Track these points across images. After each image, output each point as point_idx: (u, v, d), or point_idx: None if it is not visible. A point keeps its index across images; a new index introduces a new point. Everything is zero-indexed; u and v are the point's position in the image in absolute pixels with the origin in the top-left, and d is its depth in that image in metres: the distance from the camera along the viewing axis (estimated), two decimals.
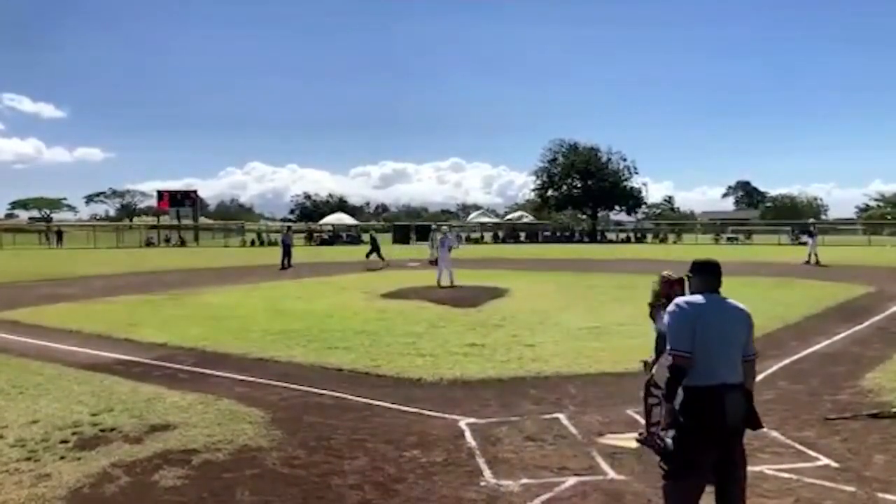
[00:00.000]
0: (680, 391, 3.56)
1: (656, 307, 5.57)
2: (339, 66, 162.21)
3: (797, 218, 73.95)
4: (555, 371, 8.27)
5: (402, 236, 60.80)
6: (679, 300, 3.75)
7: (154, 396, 7.16)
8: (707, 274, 3.75)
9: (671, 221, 74.59)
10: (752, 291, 16.21)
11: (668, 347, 3.65)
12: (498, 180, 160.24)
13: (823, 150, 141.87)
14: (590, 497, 4.62)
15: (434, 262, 21.48)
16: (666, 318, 3.71)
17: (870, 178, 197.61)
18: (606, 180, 69.38)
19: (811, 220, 36.45)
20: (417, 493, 4.69)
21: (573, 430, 6.04)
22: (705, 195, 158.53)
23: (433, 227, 29.87)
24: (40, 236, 59.55)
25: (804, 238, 29.40)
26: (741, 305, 3.72)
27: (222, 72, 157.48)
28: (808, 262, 26.24)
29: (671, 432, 3.57)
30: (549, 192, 72.70)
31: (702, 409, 3.46)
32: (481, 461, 5.25)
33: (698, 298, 3.69)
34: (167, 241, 56.27)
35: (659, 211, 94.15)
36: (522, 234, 62.14)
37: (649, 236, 61.54)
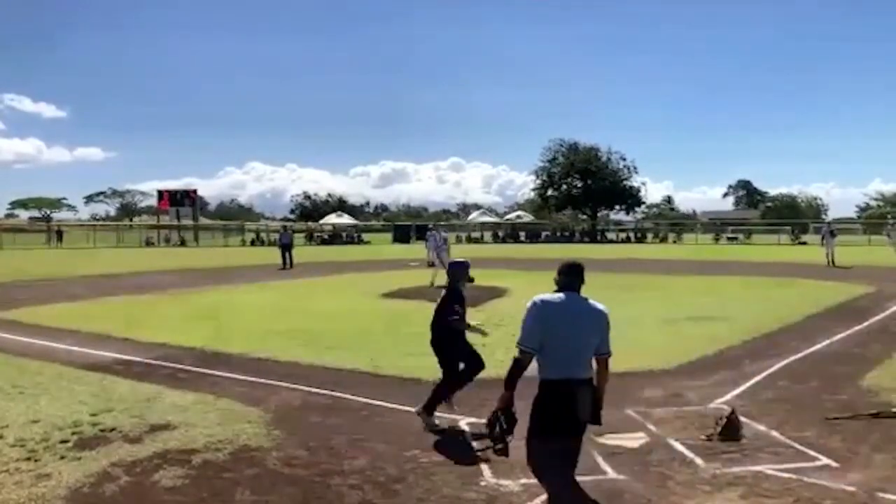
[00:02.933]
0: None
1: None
2: (339, 66, 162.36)
3: (797, 218, 74.00)
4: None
5: (402, 236, 60.78)
6: (537, 298, 3.97)
7: (154, 396, 7.16)
8: (571, 275, 4.00)
9: (671, 221, 74.56)
10: (753, 291, 16.23)
11: (517, 340, 3.87)
12: (497, 180, 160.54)
13: (823, 150, 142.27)
14: (590, 497, 4.62)
15: (432, 265, 21.35)
16: (524, 313, 3.97)
17: (869, 177, 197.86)
18: (606, 180, 69.40)
19: (829, 220, 34.57)
20: (417, 493, 4.68)
21: None
22: (705, 195, 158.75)
23: (429, 227, 29.57)
24: (40, 236, 59.53)
25: (824, 238, 26.90)
26: (599, 306, 3.99)
27: (222, 72, 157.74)
28: (829, 265, 24.71)
29: (503, 417, 3.93)
30: (549, 192, 72.72)
31: (554, 401, 3.75)
32: (481, 461, 5.25)
33: (556, 297, 3.93)
34: (167, 240, 56.30)
35: (659, 211, 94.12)
36: (522, 234, 62.14)
37: (649, 236, 61.49)
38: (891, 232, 31.98)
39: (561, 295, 3.87)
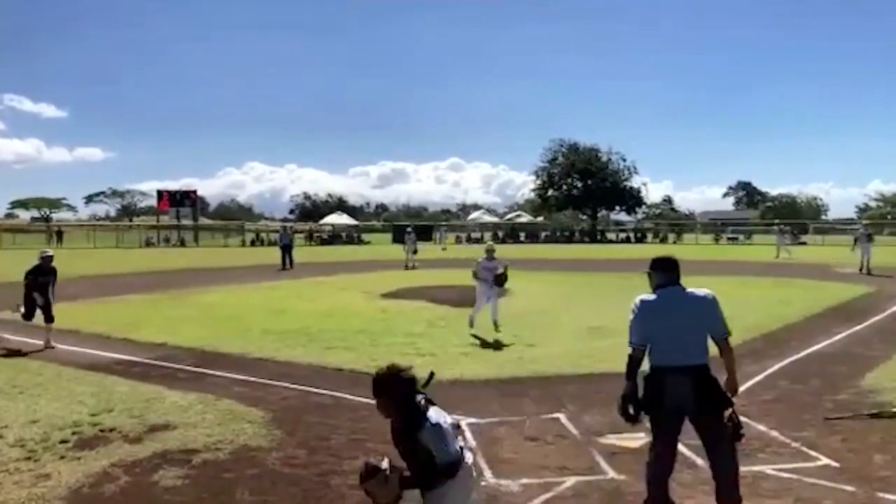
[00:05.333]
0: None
1: None
2: (338, 66, 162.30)
3: (797, 218, 73.98)
4: (555, 371, 8.27)
5: (401, 236, 60.68)
6: (638, 298, 4.14)
7: (154, 396, 7.17)
8: (666, 270, 4.14)
9: (671, 221, 74.58)
10: (753, 291, 16.21)
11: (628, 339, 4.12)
12: (497, 180, 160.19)
13: (823, 150, 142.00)
14: (590, 497, 4.63)
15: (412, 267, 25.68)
16: (629, 314, 4.15)
17: (869, 177, 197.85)
18: (606, 180, 69.32)
19: (865, 222, 30.57)
20: None
21: (573, 430, 6.04)
22: (705, 195, 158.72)
23: (408, 230, 30.10)
24: (40, 236, 59.51)
25: (858, 242, 23.27)
26: (700, 293, 4.11)
27: (221, 71, 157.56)
28: (861, 271, 21.82)
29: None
30: (550, 192, 72.64)
31: (652, 385, 4.02)
32: (481, 461, 5.24)
33: (654, 294, 4.11)
34: (167, 241, 56.23)
35: (659, 211, 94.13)
36: (522, 234, 62.10)
37: (649, 236, 61.47)
38: (777, 236, 34.83)
39: (660, 291, 4.11)
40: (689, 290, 4.11)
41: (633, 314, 4.09)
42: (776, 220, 45.05)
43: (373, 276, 22.06)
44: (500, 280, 11.39)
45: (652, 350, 4.02)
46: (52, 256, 10.77)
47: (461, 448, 3.24)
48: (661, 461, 4.19)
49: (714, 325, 4.05)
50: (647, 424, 4.27)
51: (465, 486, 3.20)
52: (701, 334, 4.03)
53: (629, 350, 4.09)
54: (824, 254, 29.16)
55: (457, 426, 3.62)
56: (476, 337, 10.62)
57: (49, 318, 10.27)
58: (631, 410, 4.16)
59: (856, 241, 23.62)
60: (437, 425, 3.11)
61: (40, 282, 10.38)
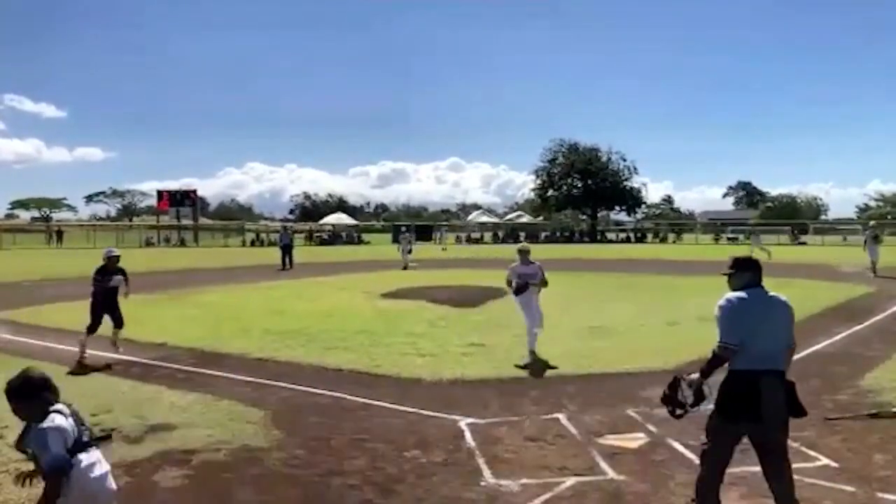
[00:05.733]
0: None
1: None
2: (338, 66, 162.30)
3: (797, 218, 73.99)
4: (555, 371, 8.27)
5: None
6: (729, 295, 3.94)
7: (154, 396, 7.17)
8: (751, 270, 4.01)
9: (671, 221, 74.58)
10: None
11: (718, 338, 3.86)
12: (497, 180, 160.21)
13: (822, 150, 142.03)
14: (590, 497, 4.63)
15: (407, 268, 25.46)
16: (716, 311, 3.91)
17: (868, 177, 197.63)
18: (606, 180, 69.35)
19: (872, 223, 28.26)
20: (417, 493, 4.69)
21: (573, 430, 6.04)
22: (705, 195, 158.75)
23: (402, 230, 30.30)
24: (40, 236, 59.52)
25: (867, 243, 22.43)
26: (783, 297, 3.97)
27: (221, 72, 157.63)
28: (874, 273, 21.11)
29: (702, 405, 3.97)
30: (550, 192, 72.67)
31: (740, 391, 3.76)
32: (481, 461, 5.25)
33: (745, 294, 3.90)
34: (167, 241, 56.28)
35: (659, 211, 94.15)
36: (522, 234, 62.12)
37: (649, 236, 61.50)
38: (752, 237, 34.40)
39: (749, 291, 3.92)
40: (772, 293, 3.95)
41: (724, 311, 3.87)
42: (749, 220, 45.42)
43: (373, 276, 22.06)
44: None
45: (742, 352, 3.77)
46: (118, 256, 9.76)
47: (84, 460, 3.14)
48: (718, 472, 3.97)
49: (791, 331, 3.92)
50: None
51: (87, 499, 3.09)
52: (786, 339, 3.88)
53: (716, 348, 3.83)
54: (824, 254, 29.19)
55: (105, 437, 3.74)
56: (476, 337, 10.60)
57: (118, 323, 9.53)
58: (688, 408, 3.99)
59: (866, 241, 22.95)
60: (45, 429, 3.07)
61: (108, 285, 9.47)
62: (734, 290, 3.97)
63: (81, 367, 8.72)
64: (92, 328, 9.33)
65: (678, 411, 4.10)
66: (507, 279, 9.46)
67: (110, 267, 9.54)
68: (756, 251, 31.61)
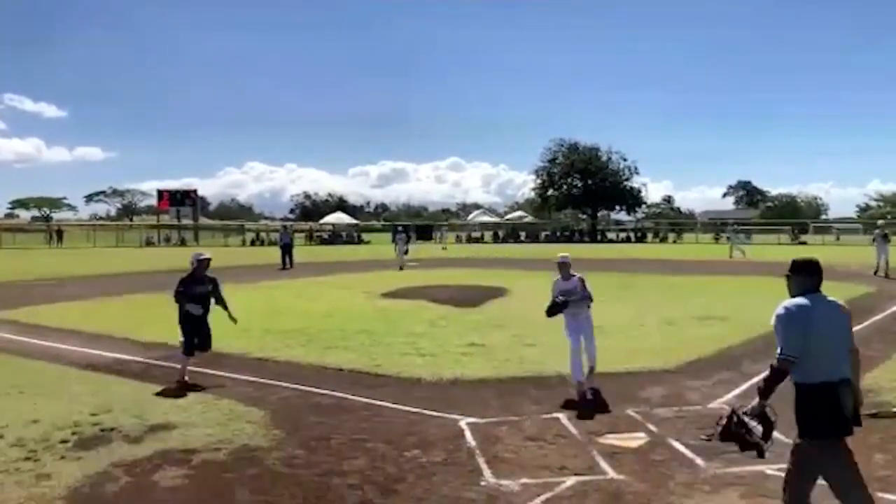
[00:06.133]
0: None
1: None
2: (338, 66, 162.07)
3: (797, 217, 73.97)
4: (555, 371, 8.27)
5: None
6: (787, 303, 3.69)
7: (154, 396, 7.17)
8: (813, 274, 3.77)
9: (671, 221, 74.59)
10: (753, 291, 16.20)
11: (777, 350, 3.61)
12: (497, 179, 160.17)
13: (822, 150, 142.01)
14: (590, 497, 4.62)
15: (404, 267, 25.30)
16: (773, 320, 3.67)
17: (868, 177, 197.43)
18: (606, 180, 69.36)
19: (880, 222, 27.51)
20: (417, 493, 4.69)
21: (573, 430, 6.04)
22: (705, 195, 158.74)
23: (398, 230, 30.38)
24: (40, 236, 59.52)
25: (875, 242, 22.00)
26: (841, 302, 3.76)
27: (221, 71, 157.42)
28: (876, 273, 20.60)
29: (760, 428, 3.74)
30: (550, 192, 72.68)
31: (822, 405, 3.52)
32: (481, 461, 5.25)
33: (806, 300, 3.67)
34: (167, 240, 56.31)
35: (659, 210, 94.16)
36: (523, 234, 62.14)
37: (649, 236, 61.50)
38: (731, 235, 35.15)
39: (810, 297, 3.69)
40: (830, 298, 3.73)
41: (784, 321, 3.61)
42: (731, 221, 45.48)
43: (373, 276, 22.06)
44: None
45: (812, 363, 3.54)
46: (208, 260, 8.07)
47: None
48: (806, 494, 3.71)
49: (850, 337, 3.71)
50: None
51: None
52: (847, 346, 3.67)
53: (777, 362, 3.58)
54: (824, 254, 29.09)
55: None
56: (476, 337, 10.60)
57: (204, 343, 7.92)
58: (762, 443, 3.69)
59: (874, 240, 22.44)
60: None
61: (197, 293, 7.85)
62: (793, 295, 3.74)
63: (180, 387, 7.57)
64: (187, 349, 7.84)
65: (757, 450, 3.80)
66: (552, 300, 7.80)
67: (198, 274, 7.97)
68: (735, 250, 31.77)
